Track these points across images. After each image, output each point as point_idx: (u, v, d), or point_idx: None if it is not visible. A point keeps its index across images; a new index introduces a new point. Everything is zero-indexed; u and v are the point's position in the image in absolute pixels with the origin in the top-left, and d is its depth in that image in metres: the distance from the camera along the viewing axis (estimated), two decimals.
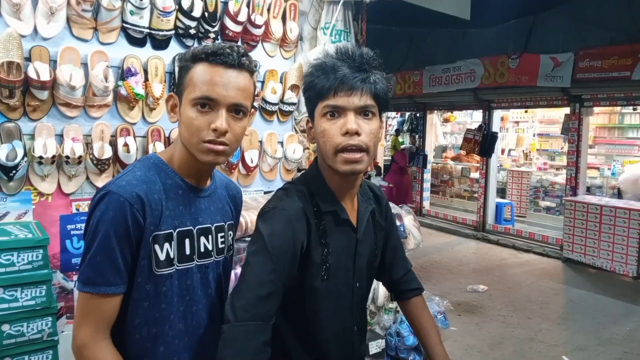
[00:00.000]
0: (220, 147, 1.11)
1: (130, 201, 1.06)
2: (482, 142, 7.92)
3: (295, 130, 2.66)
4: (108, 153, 2.01)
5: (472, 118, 11.28)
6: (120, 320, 1.12)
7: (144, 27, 2.11)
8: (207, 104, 1.09)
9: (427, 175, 9.75)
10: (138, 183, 1.09)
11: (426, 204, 9.69)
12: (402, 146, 10.42)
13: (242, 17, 2.33)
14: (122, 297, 1.10)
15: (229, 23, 2.32)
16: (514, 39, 7.18)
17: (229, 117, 1.10)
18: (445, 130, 11.67)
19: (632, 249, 6.00)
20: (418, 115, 9.96)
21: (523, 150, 10.69)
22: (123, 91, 2.04)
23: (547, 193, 8.72)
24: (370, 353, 2.39)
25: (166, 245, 1.12)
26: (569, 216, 6.66)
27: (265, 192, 2.59)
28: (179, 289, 1.17)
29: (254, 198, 2.42)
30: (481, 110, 8.40)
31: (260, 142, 2.52)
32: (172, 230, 1.13)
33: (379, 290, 2.64)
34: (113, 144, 2.06)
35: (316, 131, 1.20)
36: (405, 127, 11.43)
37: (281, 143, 2.58)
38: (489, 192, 8.29)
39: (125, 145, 2.07)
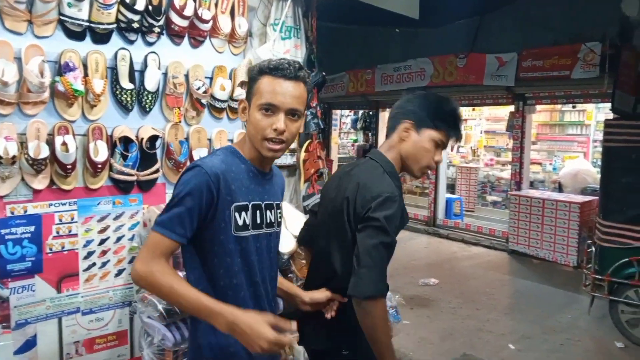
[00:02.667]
0: (278, 146, 1.40)
1: (210, 176, 1.34)
2: None
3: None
4: (45, 152, 1.91)
5: None
6: (209, 271, 1.41)
7: (82, 20, 2.01)
8: (270, 108, 1.36)
9: None
10: (219, 164, 1.38)
11: None
12: (356, 144, 10.52)
13: (189, 12, 2.27)
14: (179, 247, 1.36)
15: (174, 17, 2.25)
16: (462, 39, 7.38)
17: (286, 120, 1.38)
18: None
19: (572, 240, 6.32)
20: (371, 113, 10.08)
21: (471, 147, 11.03)
22: (60, 87, 1.93)
23: (494, 188, 9.04)
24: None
25: (243, 213, 1.41)
26: (514, 210, 6.93)
27: None
28: (252, 250, 1.45)
29: None
30: None
31: (210, 140, 2.46)
32: (247, 203, 1.43)
33: None
34: (50, 143, 1.95)
35: (420, 142, 1.64)
36: (358, 125, 11.55)
37: (231, 141, 2.54)
38: (439, 188, 8.51)
39: (64, 144, 1.97)
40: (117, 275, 2.22)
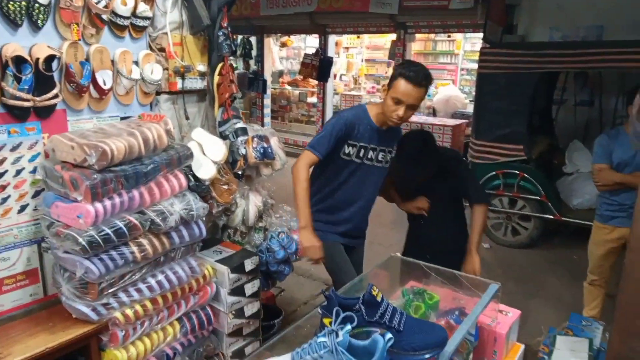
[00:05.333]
0: (398, 122, 2.24)
1: (345, 121, 2.28)
2: (319, 67, 8.19)
3: (151, 48, 2.43)
4: None
5: (306, 43, 11.50)
6: (325, 176, 2.44)
7: None
8: (398, 102, 2.17)
9: (267, 101, 9.82)
10: (352, 116, 2.31)
11: None
12: (236, 72, 10.16)
13: None
14: (318, 160, 2.27)
15: None
16: None
17: (406, 109, 2.18)
18: (281, 56, 11.72)
19: None
20: (250, 39, 9.76)
21: (353, 75, 11.38)
22: None
23: None
24: (246, 270, 2.48)
25: (351, 148, 2.32)
26: None
27: (122, 119, 2.37)
28: (356, 173, 2.41)
29: (112, 124, 2.20)
30: (317, 35, 8.59)
31: (113, 61, 2.26)
32: (357, 143, 2.33)
33: (250, 211, 2.70)
34: None
35: None
36: (238, 52, 11.13)
37: (136, 63, 2.35)
38: (326, 115, 8.74)
39: None
40: (20, 211, 2.03)
